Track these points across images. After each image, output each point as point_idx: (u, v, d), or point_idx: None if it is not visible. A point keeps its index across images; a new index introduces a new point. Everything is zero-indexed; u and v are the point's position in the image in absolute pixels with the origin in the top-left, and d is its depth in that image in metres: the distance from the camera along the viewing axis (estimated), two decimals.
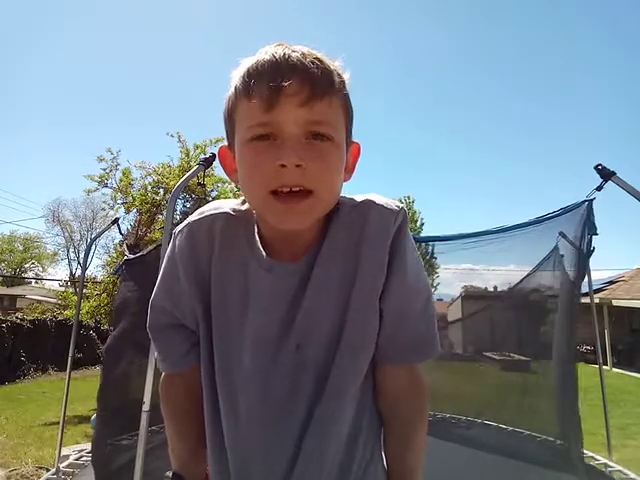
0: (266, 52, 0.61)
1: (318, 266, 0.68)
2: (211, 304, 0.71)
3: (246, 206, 0.73)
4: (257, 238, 0.70)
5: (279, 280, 0.68)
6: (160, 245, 2.64)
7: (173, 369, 0.77)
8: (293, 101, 0.58)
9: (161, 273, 0.76)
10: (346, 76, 0.65)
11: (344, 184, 0.68)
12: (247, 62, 0.62)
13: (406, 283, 0.68)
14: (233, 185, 7.35)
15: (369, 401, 0.73)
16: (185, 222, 0.73)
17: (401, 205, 0.69)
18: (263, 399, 0.69)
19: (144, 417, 2.06)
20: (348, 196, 0.71)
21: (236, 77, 0.63)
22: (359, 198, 0.70)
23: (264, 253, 0.69)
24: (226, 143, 0.70)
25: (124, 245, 4.71)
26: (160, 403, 0.80)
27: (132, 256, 3.66)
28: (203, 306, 0.72)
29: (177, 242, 0.73)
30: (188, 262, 0.71)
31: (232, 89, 0.64)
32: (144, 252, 3.54)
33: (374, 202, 0.69)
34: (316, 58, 0.61)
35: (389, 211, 0.68)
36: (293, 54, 0.59)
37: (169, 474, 0.77)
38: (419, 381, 0.74)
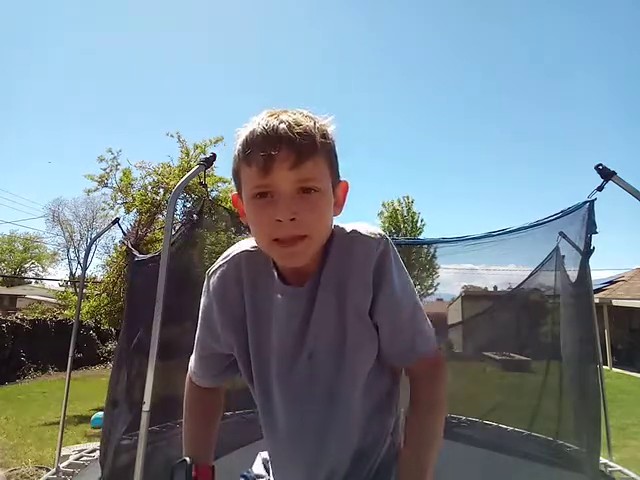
0: (258, 123, 0.72)
1: (319, 290, 0.81)
2: (248, 330, 0.86)
3: None
4: (274, 269, 0.84)
5: (291, 302, 0.82)
6: (171, 244, 2.60)
7: (203, 385, 0.96)
8: (283, 166, 0.70)
9: (200, 311, 0.91)
10: (330, 130, 0.75)
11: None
12: (243, 133, 0.73)
13: (392, 299, 0.80)
14: (233, 185, 7.34)
15: (377, 392, 0.87)
16: (215, 264, 0.89)
17: (383, 233, 0.81)
18: (287, 401, 0.85)
19: (144, 417, 2.06)
20: (340, 225, 0.83)
21: (237, 143, 0.75)
22: (348, 228, 0.82)
23: (280, 281, 0.83)
24: (236, 192, 0.83)
25: (128, 244, 4.66)
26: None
27: (142, 257, 3.64)
28: (236, 335, 0.86)
29: (210, 281, 0.88)
30: (221, 299, 0.87)
31: (235, 152, 0.76)
32: (156, 253, 3.52)
33: (359, 234, 0.80)
34: (301, 127, 0.70)
35: (372, 240, 0.80)
36: (281, 126, 0.70)
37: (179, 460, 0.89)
38: (432, 371, 0.84)
